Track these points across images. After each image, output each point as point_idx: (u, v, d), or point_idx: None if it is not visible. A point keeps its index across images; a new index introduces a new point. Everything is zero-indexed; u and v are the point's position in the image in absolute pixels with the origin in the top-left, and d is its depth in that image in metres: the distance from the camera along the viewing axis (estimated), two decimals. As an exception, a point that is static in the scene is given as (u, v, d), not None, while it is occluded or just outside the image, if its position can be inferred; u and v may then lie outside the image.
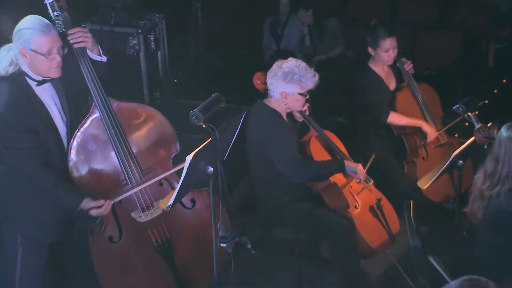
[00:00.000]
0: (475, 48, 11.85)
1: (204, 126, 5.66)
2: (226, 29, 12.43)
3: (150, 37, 9.97)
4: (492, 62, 12.01)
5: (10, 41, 6.11)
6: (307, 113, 7.16)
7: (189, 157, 5.60)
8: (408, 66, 8.36)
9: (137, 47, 9.97)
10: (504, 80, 11.08)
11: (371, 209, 7.34)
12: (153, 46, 10.11)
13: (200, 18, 12.56)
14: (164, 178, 6.41)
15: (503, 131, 6.02)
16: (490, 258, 5.92)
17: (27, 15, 6.02)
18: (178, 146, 6.59)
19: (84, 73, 6.19)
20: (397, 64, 8.27)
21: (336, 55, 10.89)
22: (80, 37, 6.04)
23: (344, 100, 8.68)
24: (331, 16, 11.81)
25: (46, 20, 5.91)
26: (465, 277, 4.50)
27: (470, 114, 7.23)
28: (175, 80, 9.97)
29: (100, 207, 6.06)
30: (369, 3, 12.44)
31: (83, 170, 6.22)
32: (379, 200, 7.34)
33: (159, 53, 10.27)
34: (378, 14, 9.70)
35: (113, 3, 9.07)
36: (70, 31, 6.01)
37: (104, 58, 6.29)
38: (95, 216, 6.18)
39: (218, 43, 11.92)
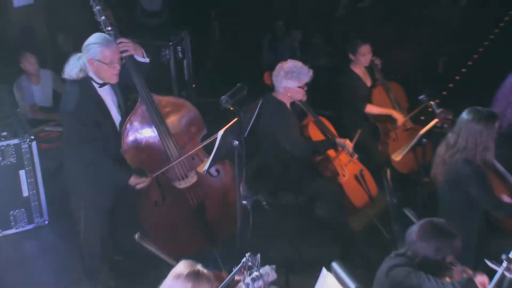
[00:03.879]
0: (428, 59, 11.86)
1: (231, 108, 5.85)
2: (236, 44, 12.48)
3: (178, 48, 9.95)
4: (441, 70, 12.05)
5: (68, 55, 6.24)
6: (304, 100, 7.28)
7: (220, 132, 5.78)
8: (377, 61, 8.56)
9: (168, 57, 9.96)
10: (451, 85, 11.11)
11: (356, 177, 7.55)
12: (180, 55, 10.07)
13: (217, 34, 12.61)
14: (196, 154, 6.59)
15: (464, 115, 6.15)
16: (449, 209, 6.10)
17: (84, 32, 6.20)
18: (205, 128, 6.80)
19: (133, 76, 6.35)
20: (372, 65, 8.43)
21: (320, 64, 10.90)
22: (124, 46, 6.20)
23: (329, 98, 8.81)
24: (317, 34, 11.98)
25: (109, 37, 6.14)
26: (427, 219, 5.05)
27: (432, 102, 7.32)
28: (193, 86, 10.06)
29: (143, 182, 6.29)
30: (344, 25, 12.43)
31: (133, 149, 6.43)
32: (361, 171, 7.60)
33: (184, 61, 10.22)
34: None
35: (150, 23, 9.18)
36: (119, 41, 6.19)
37: (147, 60, 6.46)
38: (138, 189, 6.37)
39: (229, 55, 11.92)
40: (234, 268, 4.38)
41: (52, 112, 8.89)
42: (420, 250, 4.97)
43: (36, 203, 7.49)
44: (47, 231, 7.50)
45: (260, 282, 4.30)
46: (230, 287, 4.65)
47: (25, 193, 7.39)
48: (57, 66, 8.67)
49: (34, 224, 7.48)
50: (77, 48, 6.31)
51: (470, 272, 5.39)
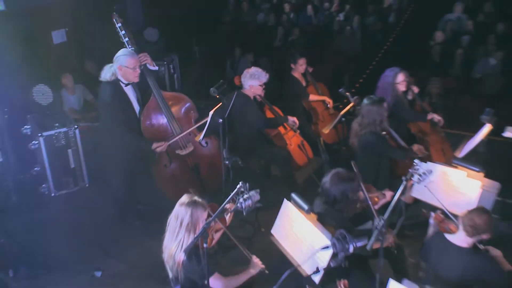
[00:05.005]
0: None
1: (217, 96, 6.36)
2: (210, 62, 12.34)
3: (170, 66, 9.98)
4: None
5: (96, 78, 6.62)
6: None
7: (211, 112, 6.17)
8: (310, 69, 8.66)
9: (163, 72, 9.94)
10: (357, 84, 11.02)
11: (299, 146, 7.76)
12: (172, 71, 10.01)
13: (197, 55, 12.59)
14: (191, 132, 6.85)
15: (364, 101, 6.63)
16: (363, 166, 5.88)
17: (103, 58, 6.63)
18: (197, 113, 7.03)
19: (148, 79, 6.66)
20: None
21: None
22: (144, 57, 6.53)
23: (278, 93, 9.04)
24: (263, 57, 12.02)
25: (132, 51, 6.45)
26: (334, 170, 5.32)
27: (347, 93, 7.65)
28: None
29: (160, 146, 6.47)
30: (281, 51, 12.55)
31: (149, 128, 6.74)
32: (302, 141, 7.82)
33: (175, 75, 10.20)
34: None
35: (151, 49, 9.15)
36: (139, 55, 6.47)
37: (156, 68, 6.80)
38: (157, 152, 6.58)
39: (206, 70, 11.75)
40: (231, 194, 4.45)
41: (82, 113, 9.07)
42: (332, 192, 5.22)
43: (80, 172, 7.76)
44: (88, 191, 7.78)
45: (249, 202, 4.37)
46: (222, 215, 4.94)
47: (72, 165, 7.67)
48: (86, 82, 9.09)
49: (78, 187, 7.76)
50: (99, 69, 6.53)
51: (377, 193, 5.79)
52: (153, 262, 5.65)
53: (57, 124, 7.70)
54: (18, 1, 8.50)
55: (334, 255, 4.31)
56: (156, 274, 5.90)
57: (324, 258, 4.62)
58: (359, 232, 4.97)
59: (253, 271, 4.87)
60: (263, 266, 4.91)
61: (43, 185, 7.66)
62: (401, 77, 7.35)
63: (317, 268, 4.48)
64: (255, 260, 4.91)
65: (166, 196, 6.76)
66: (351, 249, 4.19)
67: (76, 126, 7.66)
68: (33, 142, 7.47)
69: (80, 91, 9.27)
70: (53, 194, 7.68)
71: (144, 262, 6.39)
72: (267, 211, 5.81)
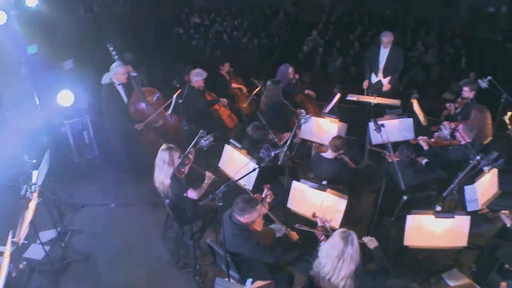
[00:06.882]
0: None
1: (178, 85, 6.43)
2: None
3: (141, 75, 8.58)
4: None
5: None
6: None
7: (174, 96, 6.29)
8: (231, 69, 8.10)
9: (140, 76, 9.08)
10: (261, 77, 10.92)
11: (228, 116, 7.47)
12: (142, 76, 8.73)
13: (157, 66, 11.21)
14: (160, 111, 6.57)
15: (268, 82, 6.74)
16: (271, 122, 6.04)
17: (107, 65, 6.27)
18: (163, 99, 6.72)
19: (132, 80, 6.42)
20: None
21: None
22: (129, 67, 6.33)
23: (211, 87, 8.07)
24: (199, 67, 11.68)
25: (121, 63, 6.22)
26: (252, 123, 5.49)
27: (256, 81, 7.70)
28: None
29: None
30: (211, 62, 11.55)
31: (134, 112, 6.50)
32: (230, 113, 7.50)
33: (144, 81, 8.87)
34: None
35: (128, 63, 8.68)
36: (125, 66, 6.26)
37: (135, 73, 6.50)
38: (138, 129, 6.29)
39: (164, 75, 10.08)
40: (195, 139, 4.44)
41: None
42: (253, 136, 5.47)
43: (92, 145, 7.40)
44: (98, 158, 7.39)
45: (208, 141, 4.39)
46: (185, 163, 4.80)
47: (87, 141, 7.32)
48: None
49: (91, 156, 7.37)
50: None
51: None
52: (148, 190, 5.75)
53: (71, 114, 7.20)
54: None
55: (262, 159, 4.35)
56: (150, 199, 6.00)
57: (253, 177, 4.83)
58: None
59: (207, 182, 4.97)
60: (214, 176, 5.00)
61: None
62: (290, 69, 7.37)
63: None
64: (208, 174, 5.01)
65: (149, 155, 6.38)
66: (272, 155, 4.31)
67: (87, 116, 7.33)
68: (61, 128, 7.18)
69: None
70: (77, 161, 7.37)
71: (143, 192, 6.32)
72: (216, 157, 5.62)
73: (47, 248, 5.19)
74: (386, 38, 7.23)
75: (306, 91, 7.62)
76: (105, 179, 6.71)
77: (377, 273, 3.55)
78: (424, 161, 5.34)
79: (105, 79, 6.42)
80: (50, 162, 5.48)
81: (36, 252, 5.24)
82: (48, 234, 5.56)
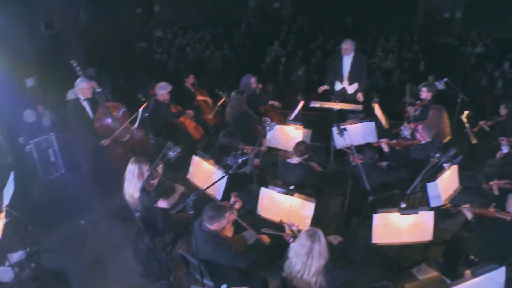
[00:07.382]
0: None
1: (143, 99, 6.43)
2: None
3: (104, 90, 8.99)
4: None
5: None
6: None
7: (140, 109, 6.28)
8: (195, 81, 8.04)
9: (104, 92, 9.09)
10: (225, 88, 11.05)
11: (194, 127, 7.44)
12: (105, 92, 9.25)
13: (122, 82, 11.52)
14: (126, 126, 6.46)
15: (233, 93, 6.84)
16: (236, 130, 6.03)
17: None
18: (128, 114, 6.58)
19: (97, 96, 6.33)
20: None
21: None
22: (93, 83, 6.29)
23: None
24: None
25: (85, 79, 6.19)
26: (224, 130, 5.57)
27: (220, 92, 7.74)
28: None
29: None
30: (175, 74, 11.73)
31: (100, 128, 6.37)
32: (196, 125, 7.48)
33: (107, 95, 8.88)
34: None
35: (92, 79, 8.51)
36: (89, 82, 6.23)
37: (99, 89, 6.39)
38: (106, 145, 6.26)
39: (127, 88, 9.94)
40: (162, 151, 4.37)
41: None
42: (223, 142, 5.50)
43: (58, 163, 7.24)
44: (65, 175, 7.24)
45: (175, 152, 4.37)
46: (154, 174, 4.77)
47: (53, 159, 7.16)
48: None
49: (58, 173, 7.22)
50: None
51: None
52: (117, 205, 5.78)
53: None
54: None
55: (230, 167, 4.42)
56: (120, 214, 5.95)
57: (222, 185, 4.87)
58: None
59: (179, 191, 5.06)
60: (184, 188, 5.08)
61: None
62: (253, 80, 7.49)
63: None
64: (177, 186, 5.10)
65: (117, 170, 6.28)
66: (239, 161, 4.39)
67: (52, 134, 7.20)
68: (27, 147, 7.01)
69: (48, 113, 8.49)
70: (43, 179, 7.20)
71: (112, 207, 6.31)
72: (185, 169, 5.60)
73: (17, 270, 5.07)
74: (346, 45, 7.45)
75: (271, 102, 7.78)
76: (73, 196, 6.54)
77: (347, 266, 3.70)
78: (385, 163, 5.55)
79: (70, 95, 6.44)
80: (15, 182, 5.37)
81: (5, 274, 5.10)
82: (17, 256, 5.46)
